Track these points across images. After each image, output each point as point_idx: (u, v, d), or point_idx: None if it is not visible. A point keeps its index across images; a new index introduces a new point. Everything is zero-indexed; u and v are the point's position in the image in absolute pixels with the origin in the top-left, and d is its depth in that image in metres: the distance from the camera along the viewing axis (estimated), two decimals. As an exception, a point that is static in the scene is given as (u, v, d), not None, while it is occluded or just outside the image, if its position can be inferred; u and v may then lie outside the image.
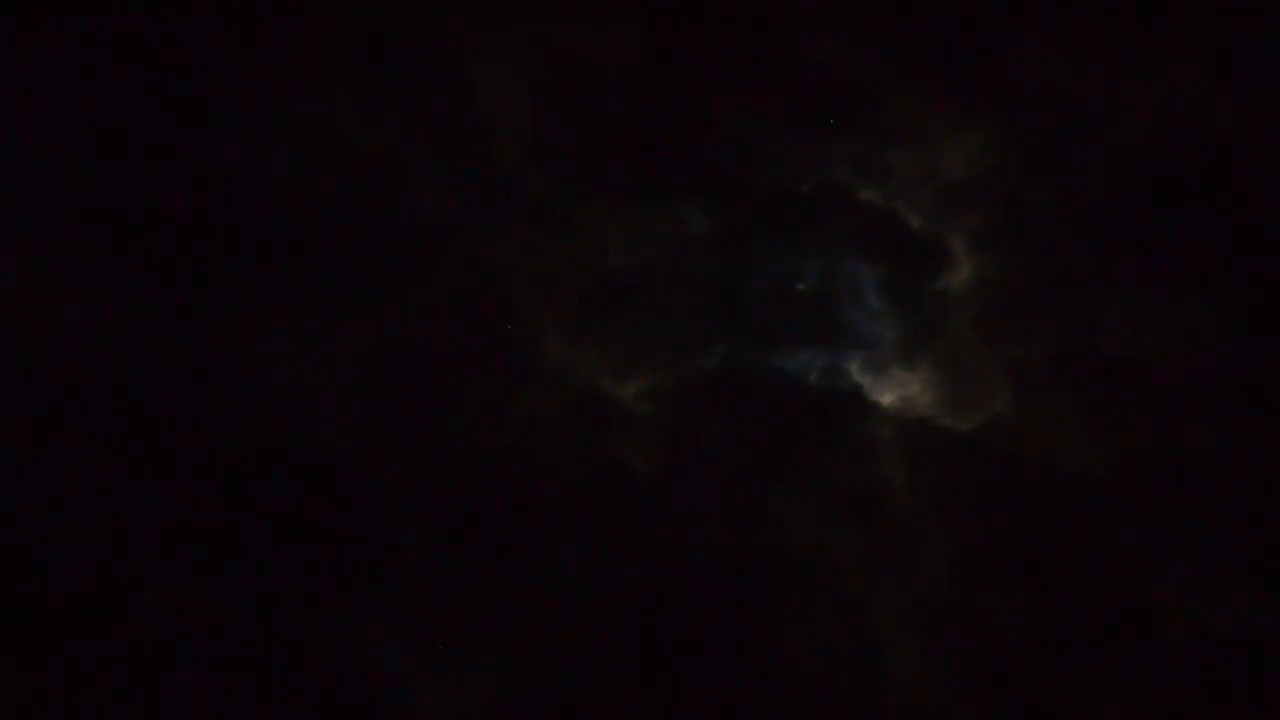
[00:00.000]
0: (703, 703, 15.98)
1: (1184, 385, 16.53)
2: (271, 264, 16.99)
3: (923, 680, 16.06)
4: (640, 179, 17.26)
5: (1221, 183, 16.81)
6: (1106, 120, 16.91)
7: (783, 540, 16.47)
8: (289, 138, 17.25)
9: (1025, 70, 16.98)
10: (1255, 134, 16.79)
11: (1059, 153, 16.93)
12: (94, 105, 17.34)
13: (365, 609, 16.17)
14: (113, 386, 16.61)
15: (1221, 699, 15.79)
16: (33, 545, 16.15)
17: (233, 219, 17.06)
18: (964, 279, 17.09)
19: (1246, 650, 15.81)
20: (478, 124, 17.35)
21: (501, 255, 17.18)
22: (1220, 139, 16.77)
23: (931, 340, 17.09)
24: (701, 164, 17.25)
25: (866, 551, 16.49)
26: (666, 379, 17.02)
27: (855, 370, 17.06)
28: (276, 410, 16.61)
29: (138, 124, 17.27)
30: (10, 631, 15.91)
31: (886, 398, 17.00)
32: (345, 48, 17.39)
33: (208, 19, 17.34)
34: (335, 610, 16.15)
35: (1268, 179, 16.76)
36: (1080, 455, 16.55)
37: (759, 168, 17.23)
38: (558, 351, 17.05)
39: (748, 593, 16.32)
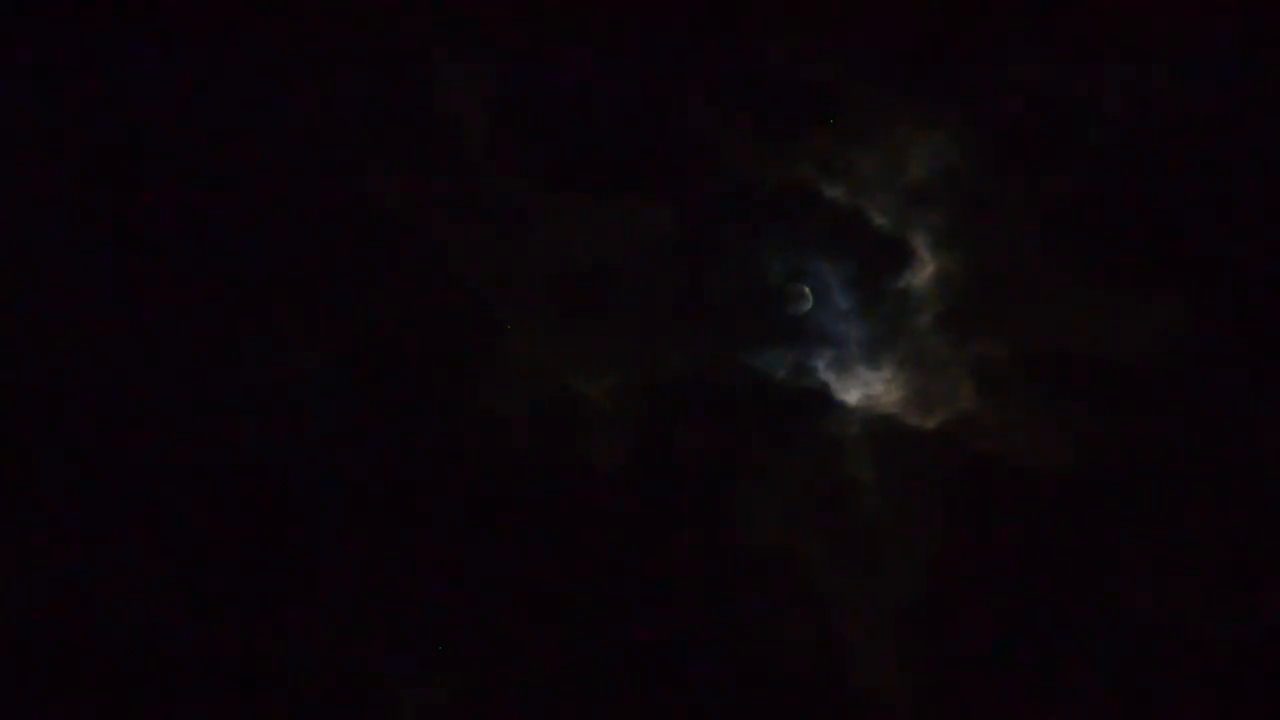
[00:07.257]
0: (668, 699, 16.11)
1: (1149, 382, 16.64)
2: (236, 264, 16.99)
3: (889, 677, 16.21)
4: (607, 178, 17.26)
5: (1187, 181, 16.86)
6: (1070, 119, 16.93)
7: (749, 537, 16.59)
8: (257, 138, 17.22)
9: (989, 69, 16.98)
10: (1221, 132, 16.83)
11: (1023, 151, 16.95)
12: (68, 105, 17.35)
13: (336, 607, 16.31)
14: (82, 389, 16.65)
15: (1189, 696, 15.95)
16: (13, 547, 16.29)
17: (197, 219, 17.05)
18: (928, 277, 17.15)
19: (1212, 647, 15.97)
20: (444, 123, 17.33)
21: (469, 255, 17.20)
22: (1186, 137, 16.80)
23: (896, 338, 17.17)
24: (667, 163, 17.24)
25: (832, 548, 16.61)
26: (634, 377, 17.08)
27: (821, 368, 17.14)
28: (243, 410, 16.67)
29: (101, 125, 17.27)
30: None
31: (852, 396, 17.08)
32: (310, 47, 17.34)
33: (170, 18, 17.30)
34: (308, 609, 16.29)
35: (1234, 177, 16.81)
36: (1045, 452, 16.67)
37: (725, 166, 17.22)
38: (525, 350, 17.11)
39: (714, 589, 16.44)
